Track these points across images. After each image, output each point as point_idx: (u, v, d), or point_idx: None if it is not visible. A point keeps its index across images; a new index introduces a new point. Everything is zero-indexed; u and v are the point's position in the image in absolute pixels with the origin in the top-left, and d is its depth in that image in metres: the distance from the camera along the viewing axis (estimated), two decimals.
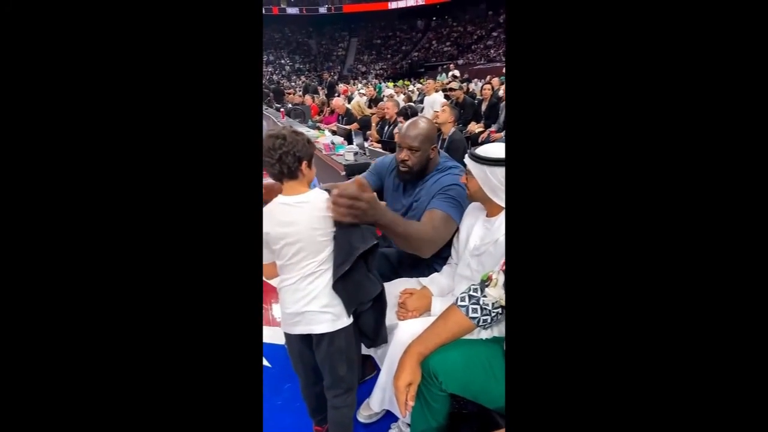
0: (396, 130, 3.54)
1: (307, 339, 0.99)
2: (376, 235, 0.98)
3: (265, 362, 1.57)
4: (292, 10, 26.68)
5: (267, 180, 0.88)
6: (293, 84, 15.86)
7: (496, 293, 0.90)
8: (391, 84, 11.23)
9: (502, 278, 0.89)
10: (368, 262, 0.97)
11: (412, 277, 1.32)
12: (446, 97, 5.05)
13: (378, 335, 1.05)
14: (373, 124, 4.15)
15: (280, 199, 0.92)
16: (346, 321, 0.96)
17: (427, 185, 1.27)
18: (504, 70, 7.57)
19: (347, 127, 4.09)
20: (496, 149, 1.02)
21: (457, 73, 8.61)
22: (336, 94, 7.40)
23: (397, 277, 1.33)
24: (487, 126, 4.13)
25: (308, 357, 1.03)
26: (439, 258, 1.26)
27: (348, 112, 4.70)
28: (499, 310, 0.91)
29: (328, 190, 0.94)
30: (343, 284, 0.93)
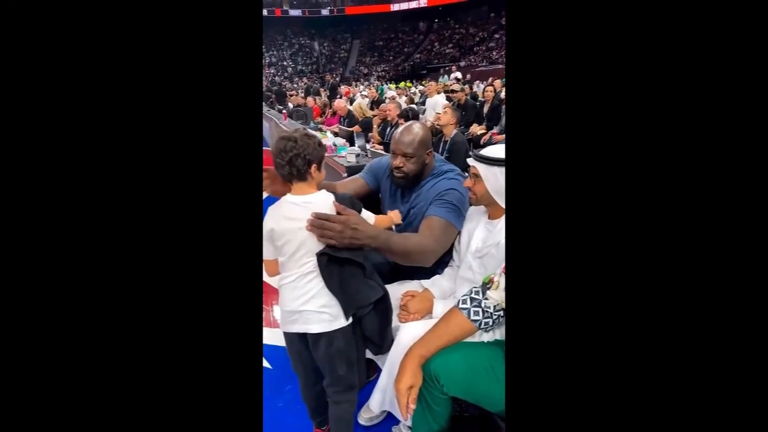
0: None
1: (306, 338, 1.00)
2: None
3: (265, 363, 1.56)
4: (295, 12, 26.78)
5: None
6: (295, 86, 15.91)
7: (498, 296, 0.89)
8: (393, 86, 11.25)
9: (503, 281, 0.89)
10: (363, 267, 0.97)
11: (413, 279, 1.32)
12: (448, 99, 5.06)
13: (383, 341, 1.05)
14: (375, 126, 4.16)
15: (288, 197, 0.96)
16: (343, 322, 0.96)
17: (423, 190, 1.24)
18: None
19: (349, 129, 4.10)
20: (503, 150, 1.02)
21: (459, 75, 8.61)
22: (338, 96, 7.42)
23: (398, 280, 1.33)
24: (489, 128, 4.12)
25: (307, 357, 1.03)
26: (440, 261, 1.26)
27: (350, 113, 4.71)
28: (501, 312, 0.91)
29: (334, 192, 0.98)
30: (339, 285, 0.94)
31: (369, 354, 1.18)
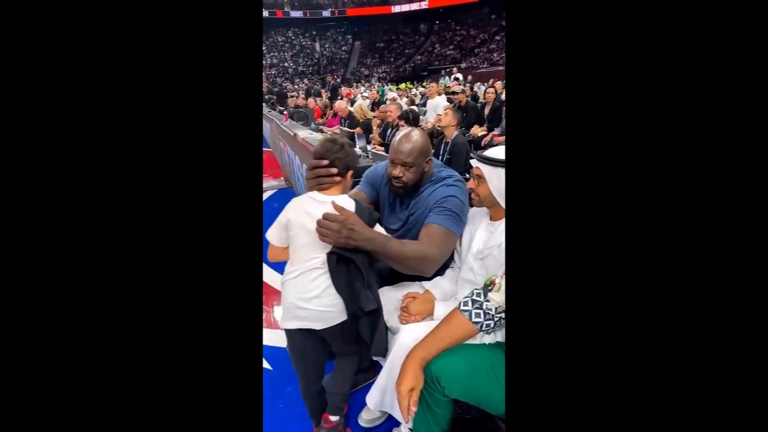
0: (397, 135, 3.55)
1: (307, 335, 1.01)
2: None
3: (266, 365, 1.56)
4: (296, 14, 26.84)
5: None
6: (296, 87, 15.94)
7: (500, 298, 0.89)
8: (393, 87, 11.26)
9: (505, 283, 0.88)
10: (363, 274, 0.99)
11: (414, 281, 1.31)
12: (449, 100, 5.06)
13: (372, 344, 1.06)
14: (375, 127, 4.16)
15: (314, 194, 1.02)
16: (344, 317, 1.00)
17: (422, 197, 1.22)
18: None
19: (350, 130, 4.10)
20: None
21: (459, 76, 8.62)
22: (339, 97, 7.43)
23: (399, 282, 1.32)
24: (490, 129, 4.12)
25: (308, 354, 1.05)
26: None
27: (351, 115, 4.72)
28: (503, 314, 0.90)
29: (356, 200, 1.04)
30: (345, 285, 0.97)
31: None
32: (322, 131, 4.12)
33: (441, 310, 1.13)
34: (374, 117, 4.37)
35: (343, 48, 28.38)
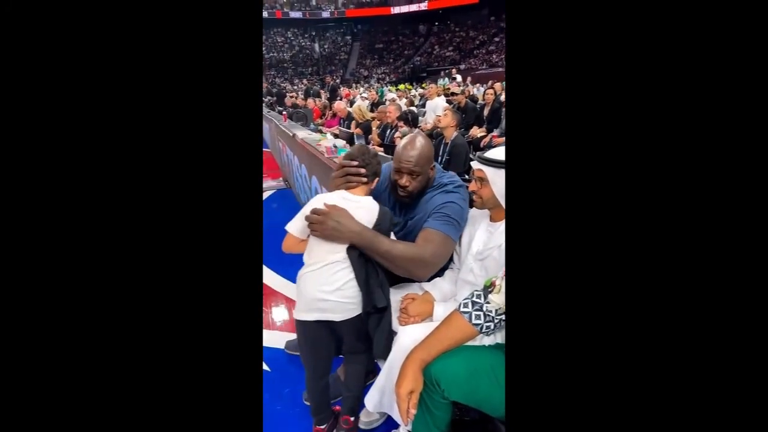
0: (397, 135, 3.54)
1: (324, 327, 1.05)
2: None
3: (264, 366, 1.55)
4: (295, 14, 26.85)
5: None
6: (295, 87, 15.93)
7: (500, 299, 0.88)
8: (393, 88, 11.27)
9: (505, 285, 0.88)
10: (378, 273, 1.05)
11: (414, 282, 1.31)
12: (448, 101, 5.06)
13: (374, 339, 1.08)
14: (374, 128, 4.16)
15: (342, 193, 1.09)
16: (359, 311, 1.05)
17: (422, 202, 1.22)
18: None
19: (349, 130, 4.10)
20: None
21: (459, 77, 8.63)
22: (338, 98, 7.43)
23: (398, 283, 1.32)
24: (489, 131, 4.13)
25: (322, 347, 1.09)
26: None
27: (350, 115, 4.71)
28: (503, 316, 0.90)
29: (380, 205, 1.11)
30: (365, 279, 1.03)
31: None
32: (321, 132, 4.11)
33: (440, 312, 1.12)
34: (373, 118, 4.37)
35: (342, 49, 28.40)
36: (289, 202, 3.66)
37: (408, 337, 1.03)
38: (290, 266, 2.25)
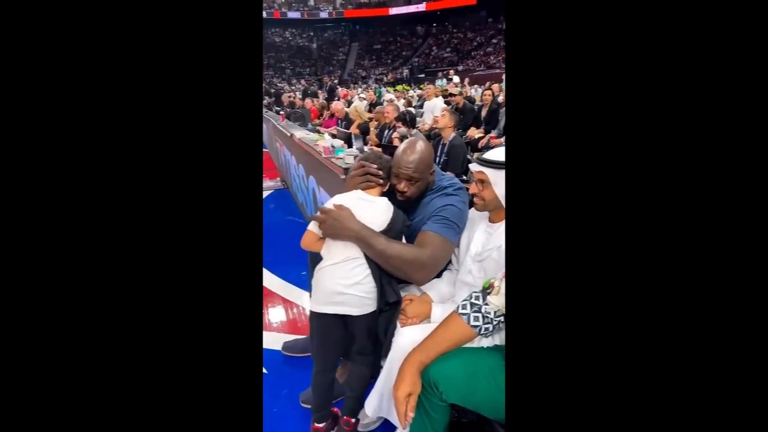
0: (395, 135, 3.53)
1: (339, 320, 1.08)
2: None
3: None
4: (293, 14, 26.81)
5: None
6: (293, 87, 15.91)
7: (499, 301, 0.88)
8: (391, 89, 11.27)
9: (503, 286, 0.87)
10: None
11: (412, 283, 1.30)
12: (446, 102, 5.06)
13: (384, 337, 1.10)
14: (372, 129, 4.15)
15: (358, 193, 1.14)
16: (374, 307, 1.08)
17: (422, 205, 1.21)
18: (503, 77, 7.62)
19: (347, 131, 4.09)
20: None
21: (456, 79, 8.64)
22: (336, 98, 7.42)
23: (399, 284, 1.31)
24: (486, 131, 4.13)
25: (334, 341, 1.11)
26: None
27: (348, 116, 4.70)
28: (501, 318, 0.89)
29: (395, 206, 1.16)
30: (380, 276, 1.07)
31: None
32: (318, 132, 4.10)
33: (438, 313, 1.12)
34: (371, 118, 4.36)
35: (340, 49, 28.39)
36: (287, 202, 3.65)
37: (406, 338, 1.03)
38: (287, 267, 2.24)
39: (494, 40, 22.25)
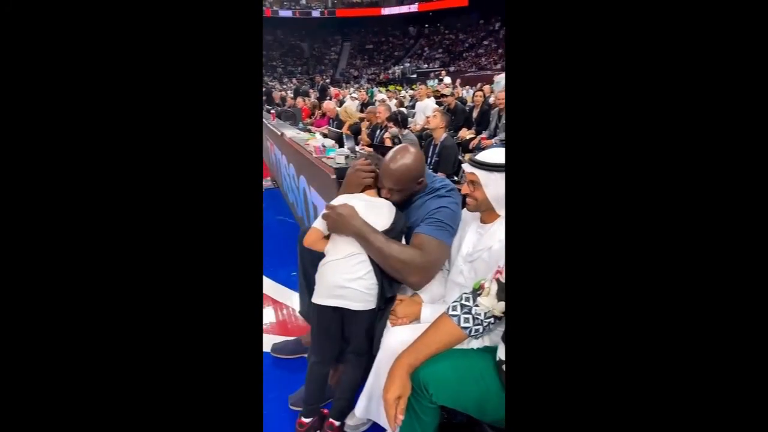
0: (386, 135, 3.53)
1: (339, 314, 1.10)
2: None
3: None
4: (285, 13, 26.64)
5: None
6: (284, 86, 15.80)
7: (489, 302, 0.87)
8: (383, 89, 11.26)
9: (494, 287, 0.87)
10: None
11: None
12: (438, 103, 5.07)
13: (377, 336, 1.11)
14: (364, 128, 4.14)
15: (361, 195, 1.20)
16: (374, 305, 1.11)
17: (414, 207, 1.21)
18: (494, 78, 7.67)
19: (338, 130, 4.07)
20: (501, 156, 1.00)
21: (448, 80, 8.67)
22: (328, 98, 7.37)
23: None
24: (477, 132, 4.15)
25: (333, 334, 1.13)
26: None
27: (339, 116, 4.68)
28: (492, 319, 0.89)
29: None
30: (381, 272, 1.09)
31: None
32: (310, 131, 4.07)
33: (428, 313, 1.11)
34: (362, 118, 4.35)
35: (332, 48, 28.28)
36: (277, 202, 3.61)
37: (395, 338, 1.02)
38: (277, 268, 2.22)
39: (485, 42, 22.41)
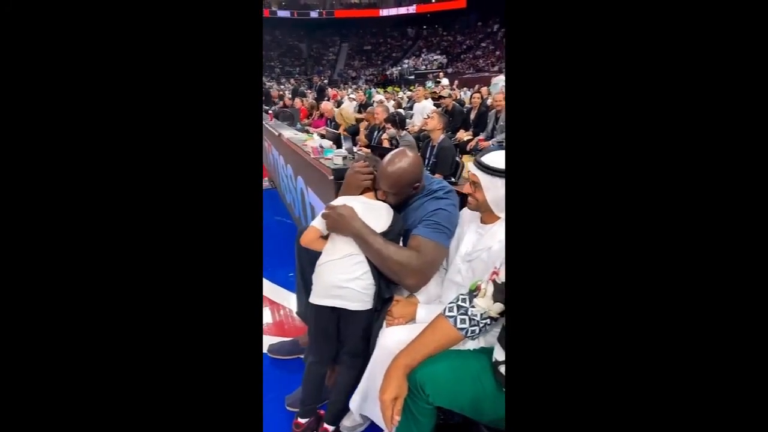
0: (384, 136, 3.53)
1: (336, 314, 1.11)
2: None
3: None
4: (283, 13, 26.62)
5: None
6: (282, 86, 15.78)
7: (485, 304, 0.88)
8: (381, 90, 11.26)
9: (491, 288, 0.87)
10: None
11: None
12: (436, 104, 5.08)
13: (374, 336, 1.11)
14: (362, 129, 4.14)
15: (360, 198, 1.20)
16: (371, 305, 1.11)
17: (412, 209, 1.20)
18: (492, 80, 7.69)
19: (336, 131, 4.07)
20: (503, 160, 1.01)
21: (446, 81, 8.69)
22: (326, 98, 7.36)
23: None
24: (475, 134, 4.16)
25: (330, 334, 1.14)
26: None
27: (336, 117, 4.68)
28: (488, 320, 0.89)
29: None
30: (378, 273, 1.10)
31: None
32: (307, 132, 4.07)
33: (423, 314, 1.11)
34: (360, 119, 4.35)
35: (330, 49, 28.27)
36: (274, 202, 3.61)
37: (390, 338, 1.02)
38: (274, 269, 2.21)
39: (483, 44, 22.48)
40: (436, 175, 2.78)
